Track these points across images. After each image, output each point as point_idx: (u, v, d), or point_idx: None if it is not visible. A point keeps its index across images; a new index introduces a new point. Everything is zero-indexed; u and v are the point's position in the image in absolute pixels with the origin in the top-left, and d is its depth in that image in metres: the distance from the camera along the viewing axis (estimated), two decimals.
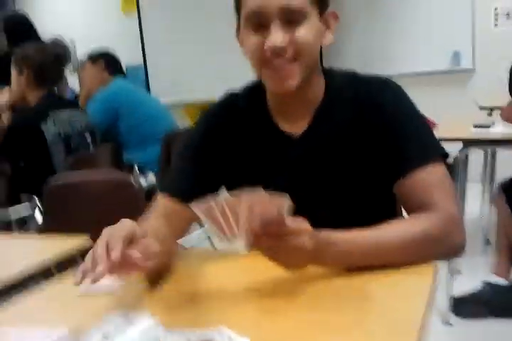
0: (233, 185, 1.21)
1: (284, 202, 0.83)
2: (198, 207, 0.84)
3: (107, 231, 0.91)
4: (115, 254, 0.83)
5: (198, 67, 5.10)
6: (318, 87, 1.14)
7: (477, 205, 3.31)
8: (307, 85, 1.11)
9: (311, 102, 1.14)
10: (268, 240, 0.85)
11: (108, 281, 0.92)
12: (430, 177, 1.05)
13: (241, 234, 0.83)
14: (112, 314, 0.89)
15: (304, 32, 1.03)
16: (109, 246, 0.86)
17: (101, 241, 0.87)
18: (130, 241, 0.89)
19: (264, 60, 1.05)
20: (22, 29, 4.17)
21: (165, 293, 1.00)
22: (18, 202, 2.17)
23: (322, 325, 0.80)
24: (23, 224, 1.98)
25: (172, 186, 1.19)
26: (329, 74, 1.17)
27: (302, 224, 0.88)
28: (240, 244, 0.85)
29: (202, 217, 0.84)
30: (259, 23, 1.03)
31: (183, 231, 1.20)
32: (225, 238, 0.84)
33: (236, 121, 1.19)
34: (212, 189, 1.19)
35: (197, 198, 1.13)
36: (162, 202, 1.17)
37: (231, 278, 1.04)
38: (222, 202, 0.82)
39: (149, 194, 1.75)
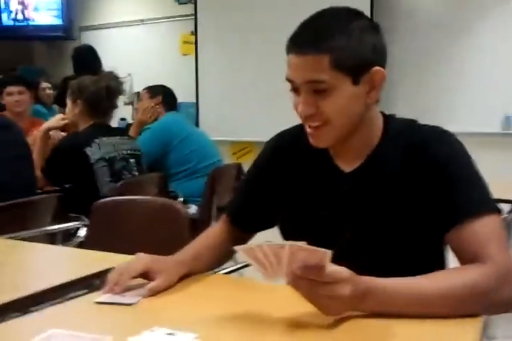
0: (284, 209, 1.26)
1: (326, 253, 0.85)
2: (240, 249, 0.90)
3: (124, 263, 1.12)
4: (118, 289, 1.07)
5: (246, 109, 5.21)
6: (371, 133, 1.16)
7: None
8: (354, 135, 1.14)
9: (363, 146, 1.16)
10: (306, 284, 0.87)
11: (129, 294, 1.07)
12: (484, 228, 1.02)
13: (282, 274, 0.88)
14: (156, 328, 0.89)
15: (331, 102, 1.07)
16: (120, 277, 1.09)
17: (118, 270, 1.11)
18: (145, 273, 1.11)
19: (301, 118, 1.12)
20: (87, 60, 4.49)
21: (207, 314, 1.00)
22: (66, 220, 2.21)
23: None
24: (69, 241, 2.01)
25: (229, 209, 1.35)
26: (389, 120, 1.19)
27: (343, 273, 0.88)
28: (281, 282, 0.90)
29: (245, 257, 0.90)
30: (294, 87, 1.10)
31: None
32: (267, 276, 0.89)
33: (295, 152, 1.24)
34: (266, 212, 1.30)
35: (248, 219, 1.30)
36: (223, 219, 1.34)
37: (272, 307, 1.02)
38: (265, 247, 0.86)
39: (190, 225, 1.76)
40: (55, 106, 4.85)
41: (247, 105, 5.21)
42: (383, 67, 1.10)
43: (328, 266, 0.86)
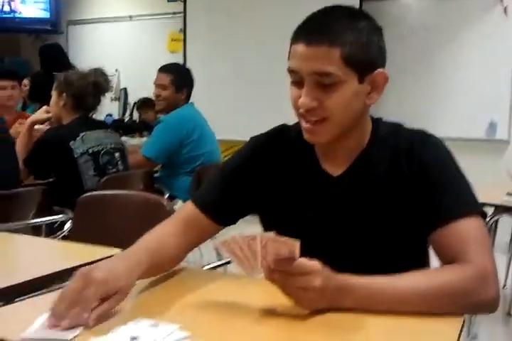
0: (265, 210, 1.24)
1: (295, 244, 0.87)
2: (218, 243, 0.90)
3: (85, 280, 0.90)
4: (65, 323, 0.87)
5: (234, 108, 5.20)
6: (362, 136, 1.16)
7: (501, 275, 3.23)
8: (347, 135, 1.13)
9: (353, 148, 1.16)
10: (280, 276, 0.89)
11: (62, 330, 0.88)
12: (466, 229, 1.03)
13: (259, 269, 0.90)
14: (139, 319, 0.90)
15: (335, 97, 1.04)
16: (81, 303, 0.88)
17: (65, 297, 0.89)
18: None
19: (298, 112, 1.09)
20: (55, 57, 4.60)
21: (188, 306, 1.01)
22: (51, 214, 2.19)
23: None
24: (53, 234, 1.99)
25: (201, 197, 1.23)
26: (376, 124, 1.18)
27: (313, 265, 0.90)
28: (259, 276, 0.92)
29: (224, 251, 0.91)
30: (296, 80, 1.07)
31: (200, 240, 1.23)
32: (245, 270, 0.91)
33: (281, 152, 1.22)
34: (240, 210, 1.24)
35: (220, 214, 1.21)
36: (188, 209, 1.21)
37: (252, 299, 1.04)
38: (238, 239, 0.88)
39: None
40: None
41: (235, 104, 5.21)
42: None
43: (297, 256, 0.88)
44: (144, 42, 6.01)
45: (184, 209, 1.23)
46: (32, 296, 1.07)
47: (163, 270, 1.14)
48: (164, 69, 3.27)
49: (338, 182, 1.16)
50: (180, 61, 5.54)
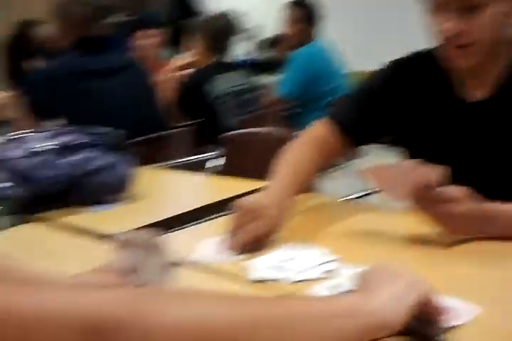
0: (404, 136, 1.26)
1: (437, 171, 0.88)
2: (366, 170, 0.95)
3: (250, 214, 1.00)
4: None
5: (364, 38, 5.04)
6: (503, 60, 1.12)
7: None
8: (492, 58, 1.10)
9: (497, 72, 1.13)
10: (425, 204, 0.92)
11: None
12: None
13: (404, 197, 0.92)
14: (293, 243, 0.98)
15: (480, 20, 1.02)
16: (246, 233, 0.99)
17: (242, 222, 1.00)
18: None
19: (443, 38, 1.07)
20: (183, 3, 4.87)
21: (336, 235, 1.07)
22: (200, 151, 2.36)
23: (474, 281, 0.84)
24: (204, 170, 2.16)
25: (337, 116, 1.26)
26: None
27: (457, 192, 0.92)
28: (403, 205, 0.95)
29: (369, 178, 0.95)
30: (437, 6, 1.05)
31: (331, 159, 1.30)
32: (391, 198, 0.94)
33: (417, 77, 1.21)
34: (375, 131, 1.26)
35: (355, 132, 1.23)
36: (321, 128, 1.25)
37: (396, 228, 1.07)
38: (383, 167, 0.93)
39: None
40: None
41: (367, 35, 5.05)
42: None
43: (441, 184, 0.90)
44: None
45: (317, 128, 1.26)
46: (193, 225, 1.19)
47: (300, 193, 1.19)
48: (293, 4, 3.29)
49: (476, 109, 1.14)
50: None
